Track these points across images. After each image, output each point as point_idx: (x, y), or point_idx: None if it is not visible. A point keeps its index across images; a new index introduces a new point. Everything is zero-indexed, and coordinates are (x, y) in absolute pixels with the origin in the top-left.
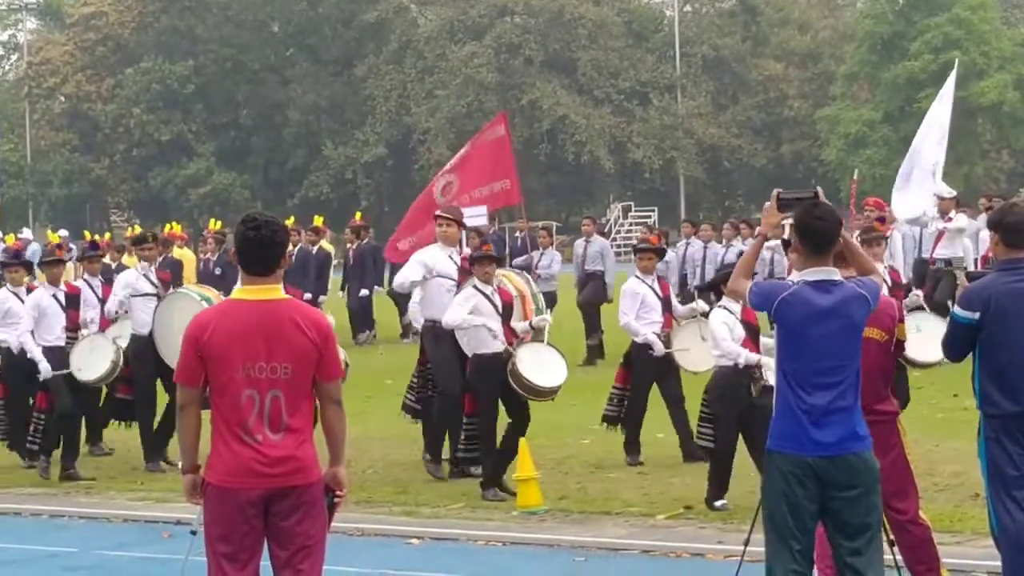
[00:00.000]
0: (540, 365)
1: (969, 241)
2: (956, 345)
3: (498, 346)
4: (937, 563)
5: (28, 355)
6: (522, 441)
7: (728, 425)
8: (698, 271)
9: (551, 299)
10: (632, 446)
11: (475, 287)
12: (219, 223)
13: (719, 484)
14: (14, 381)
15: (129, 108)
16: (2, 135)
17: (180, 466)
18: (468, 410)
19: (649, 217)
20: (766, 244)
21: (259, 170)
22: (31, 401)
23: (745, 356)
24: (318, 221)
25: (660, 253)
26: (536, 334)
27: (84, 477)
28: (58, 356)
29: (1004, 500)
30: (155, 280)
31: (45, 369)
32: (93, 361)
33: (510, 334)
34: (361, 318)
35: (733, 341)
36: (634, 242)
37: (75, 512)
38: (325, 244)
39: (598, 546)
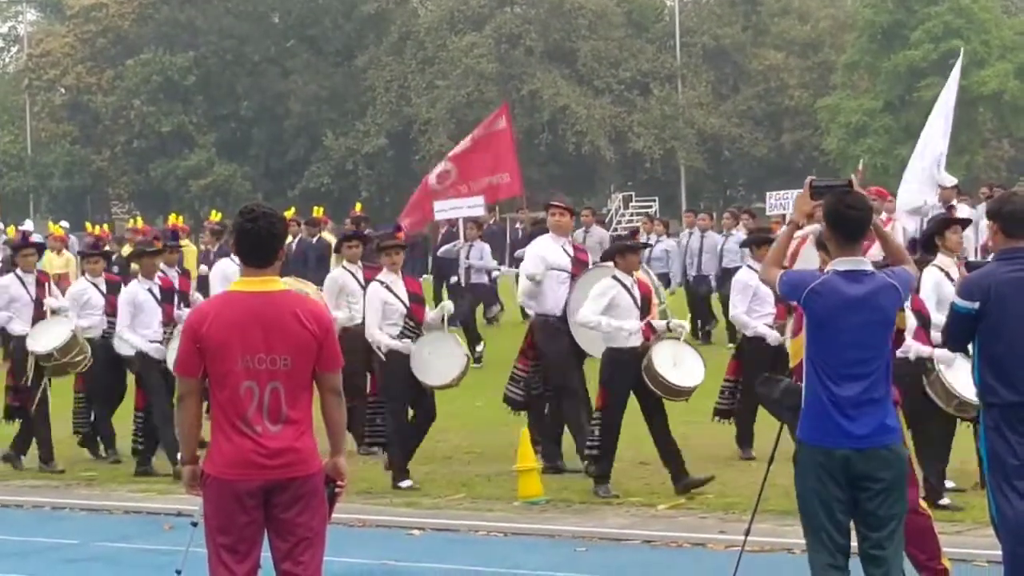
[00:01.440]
0: (678, 364)
1: (969, 231)
2: (956, 335)
3: (635, 341)
4: (938, 552)
5: (135, 350)
6: (523, 432)
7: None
8: (695, 261)
9: None
10: (744, 439)
11: (615, 278)
12: (219, 214)
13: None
14: (94, 374)
15: (129, 100)
16: (2, 127)
17: (179, 457)
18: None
19: (650, 207)
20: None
21: (260, 161)
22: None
23: (916, 349)
24: (317, 212)
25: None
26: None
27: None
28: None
29: (1004, 489)
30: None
31: (159, 349)
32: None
33: (648, 329)
34: None
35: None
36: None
37: (77, 504)
38: (326, 235)
39: (599, 536)
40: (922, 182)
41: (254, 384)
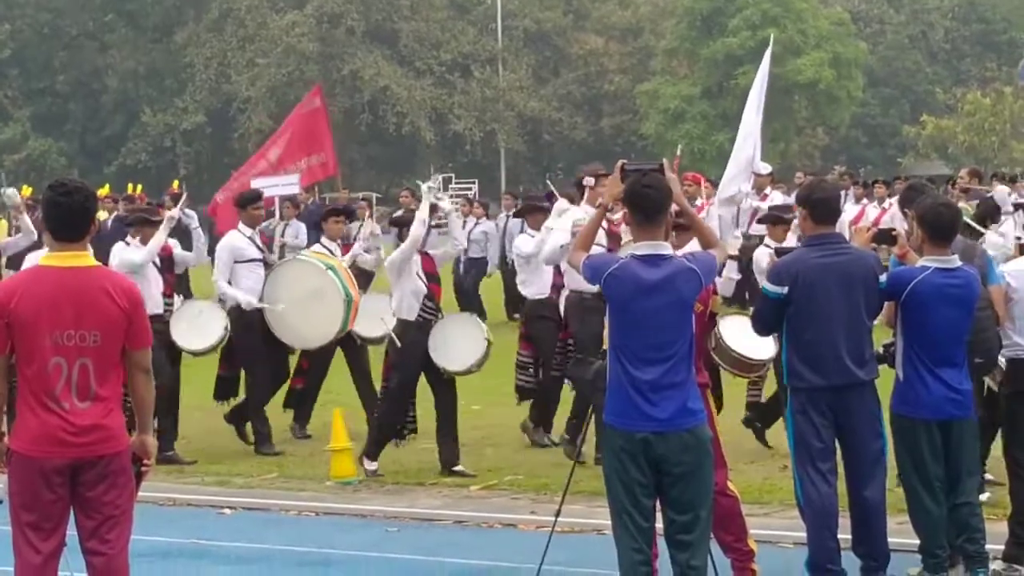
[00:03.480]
0: (746, 335)
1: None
2: (765, 319)
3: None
4: (744, 533)
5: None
6: (336, 412)
7: None
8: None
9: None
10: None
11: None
12: (31, 189)
13: None
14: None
15: None
16: None
17: None
18: None
19: (470, 189)
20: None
21: (76, 136)
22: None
23: None
24: (132, 190)
25: None
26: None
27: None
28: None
29: (809, 472)
30: (261, 245)
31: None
32: (201, 328)
33: (559, 277)
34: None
35: None
36: None
37: None
38: None
39: (411, 516)
40: (741, 170)
41: (63, 360)
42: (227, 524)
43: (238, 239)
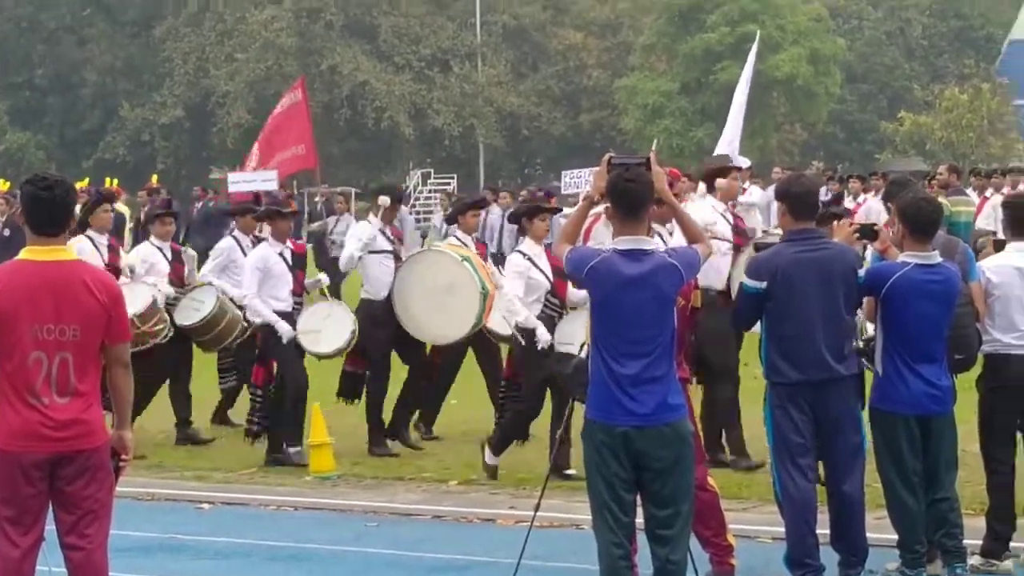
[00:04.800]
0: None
1: (759, 214)
2: (744, 314)
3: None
4: (723, 528)
5: (259, 319)
6: (315, 406)
7: None
8: (496, 237)
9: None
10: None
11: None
12: (8, 183)
13: None
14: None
15: None
16: None
17: None
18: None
19: (448, 184)
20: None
21: (54, 130)
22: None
23: None
24: (110, 183)
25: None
26: None
27: (298, 462)
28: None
29: (788, 467)
30: (392, 236)
31: (286, 330)
32: (329, 331)
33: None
34: None
35: None
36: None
37: None
38: (120, 206)
39: (390, 511)
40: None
41: (43, 355)
42: (206, 519)
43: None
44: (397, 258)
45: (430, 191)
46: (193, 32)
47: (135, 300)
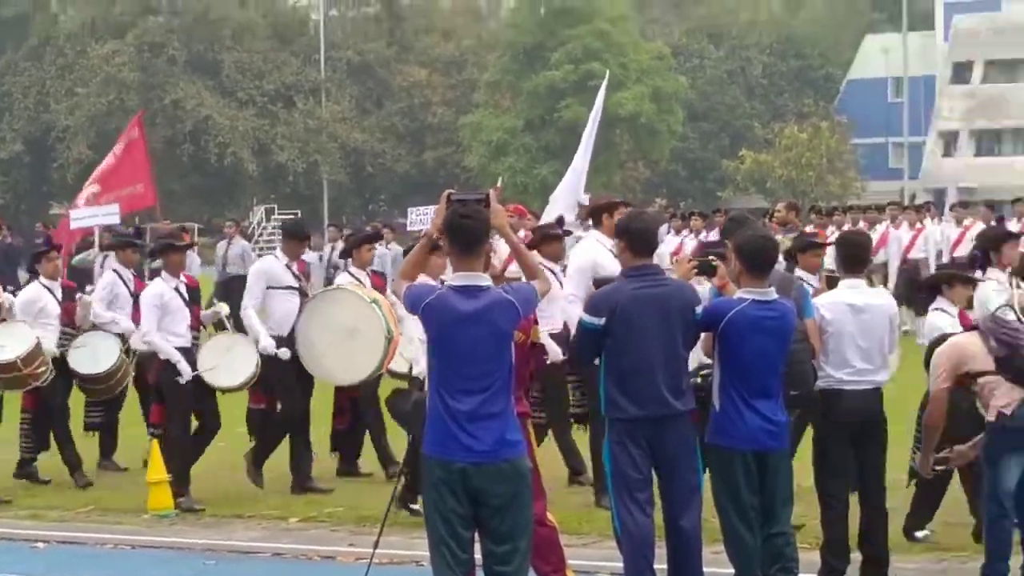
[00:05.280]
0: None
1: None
2: (583, 350)
3: None
4: (563, 564)
5: (161, 356)
6: (154, 443)
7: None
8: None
9: None
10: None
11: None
12: None
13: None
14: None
15: None
16: None
17: None
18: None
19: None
20: None
21: None
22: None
23: None
24: None
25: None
26: None
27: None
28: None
29: (627, 502)
30: (297, 273)
31: (185, 370)
32: (232, 363)
33: None
34: None
35: None
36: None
37: None
38: None
39: (228, 549)
40: (566, 200)
41: None
42: (41, 558)
43: (273, 263)
44: (303, 294)
45: (273, 227)
46: (33, 66)
47: (18, 342)
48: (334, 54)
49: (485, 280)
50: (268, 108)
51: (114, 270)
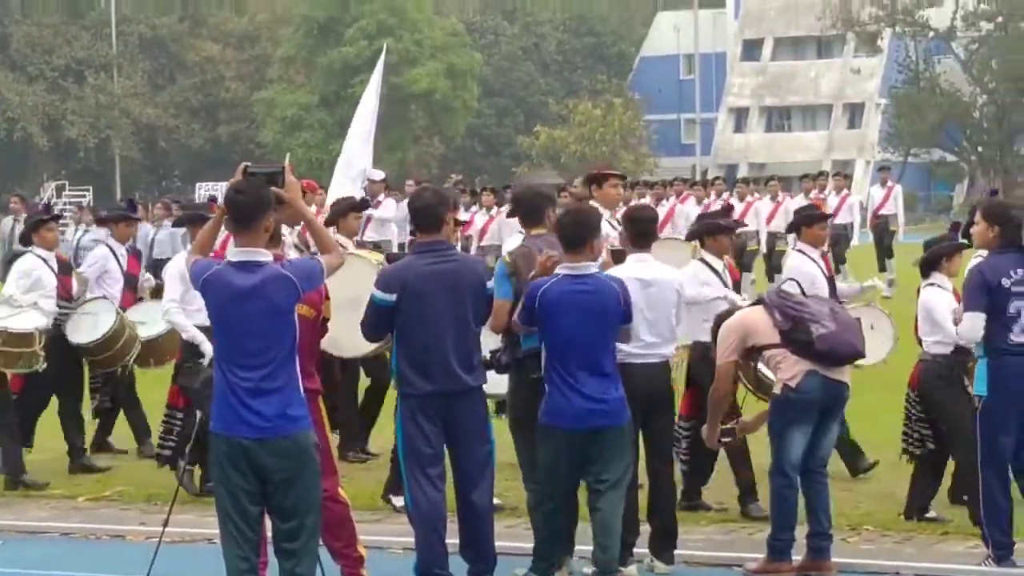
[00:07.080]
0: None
1: (396, 226)
2: (374, 325)
3: None
4: (354, 539)
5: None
6: None
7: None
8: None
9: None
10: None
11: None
12: None
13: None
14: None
15: None
16: None
17: None
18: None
19: (84, 196)
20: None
21: None
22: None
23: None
24: None
25: None
26: None
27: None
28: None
29: (418, 478)
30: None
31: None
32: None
33: None
34: None
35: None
36: None
37: None
38: None
39: (16, 529)
40: (350, 178)
41: None
42: None
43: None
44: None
45: (65, 203)
46: None
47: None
48: (126, 28)
49: (264, 256)
50: (59, 83)
51: (107, 245)
